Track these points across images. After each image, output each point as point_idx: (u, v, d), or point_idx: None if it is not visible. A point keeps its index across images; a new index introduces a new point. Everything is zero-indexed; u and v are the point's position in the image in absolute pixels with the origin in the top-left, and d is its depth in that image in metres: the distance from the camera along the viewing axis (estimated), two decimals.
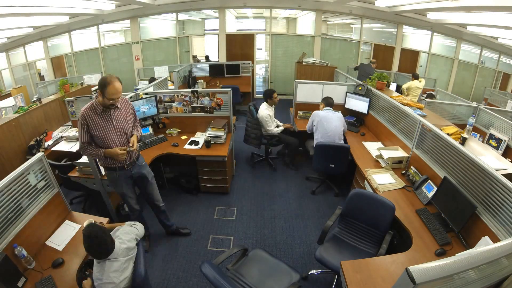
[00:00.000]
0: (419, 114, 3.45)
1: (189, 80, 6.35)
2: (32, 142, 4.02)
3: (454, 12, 5.92)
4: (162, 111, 3.93)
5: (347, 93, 4.35)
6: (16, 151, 3.88)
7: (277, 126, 4.22)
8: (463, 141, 3.26)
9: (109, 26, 8.09)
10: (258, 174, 4.26)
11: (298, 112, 4.49)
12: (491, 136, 3.69)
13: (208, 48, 9.07)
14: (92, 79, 6.80)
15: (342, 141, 3.60)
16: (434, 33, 7.89)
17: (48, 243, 2.17)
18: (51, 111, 4.70)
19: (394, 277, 1.76)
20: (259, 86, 8.93)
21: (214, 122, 3.73)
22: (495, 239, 1.84)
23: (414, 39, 8.39)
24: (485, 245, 1.79)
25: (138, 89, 4.55)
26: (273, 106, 4.22)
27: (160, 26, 8.33)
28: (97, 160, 2.63)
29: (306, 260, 2.78)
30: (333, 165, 3.45)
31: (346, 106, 4.39)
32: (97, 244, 1.63)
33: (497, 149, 3.52)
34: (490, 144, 3.66)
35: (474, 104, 4.23)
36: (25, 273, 1.88)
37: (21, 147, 3.95)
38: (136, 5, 7.00)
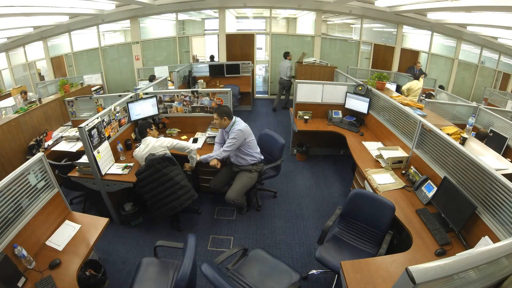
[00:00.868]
0: (419, 114, 3.45)
1: (189, 80, 6.35)
2: (32, 142, 4.02)
3: (454, 12, 5.91)
4: (162, 111, 3.94)
5: (347, 93, 4.35)
6: (16, 151, 3.88)
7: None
8: (463, 141, 3.27)
9: (109, 26, 8.08)
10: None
11: (298, 112, 4.49)
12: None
13: (208, 48, 9.06)
14: (92, 79, 6.79)
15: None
16: (434, 33, 7.89)
17: (48, 243, 2.17)
18: (51, 111, 4.70)
19: (394, 277, 1.76)
20: (259, 86, 8.93)
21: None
22: (495, 239, 1.84)
23: (414, 39, 8.38)
24: (485, 245, 1.79)
25: (138, 89, 4.55)
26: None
27: (160, 26, 8.32)
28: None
29: (306, 260, 2.78)
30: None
31: (346, 106, 4.39)
32: None
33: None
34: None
35: (474, 104, 4.23)
36: (25, 273, 1.88)
37: (21, 147, 3.95)
38: (136, 5, 7.00)
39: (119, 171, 3.04)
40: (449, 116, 4.27)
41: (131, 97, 3.69)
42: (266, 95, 8.47)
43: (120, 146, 3.29)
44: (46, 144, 3.96)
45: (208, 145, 3.58)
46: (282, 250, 2.91)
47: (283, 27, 9.93)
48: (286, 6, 7.79)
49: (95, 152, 2.85)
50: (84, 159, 2.98)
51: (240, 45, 8.05)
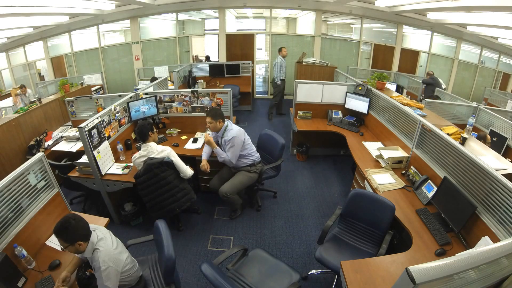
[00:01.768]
0: (419, 114, 3.45)
1: (189, 80, 6.35)
2: (32, 142, 4.02)
3: (454, 12, 5.92)
4: (162, 111, 3.94)
5: (347, 93, 4.35)
6: (16, 151, 3.88)
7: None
8: (463, 141, 3.26)
9: (109, 26, 8.08)
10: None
11: (298, 112, 4.49)
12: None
13: (208, 48, 9.07)
14: (92, 79, 6.80)
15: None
16: (434, 33, 7.89)
17: (48, 243, 2.18)
18: (51, 111, 4.70)
19: (394, 277, 1.76)
20: (259, 86, 8.93)
21: None
22: (495, 239, 1.84)
23: (414, 39, 8.39)
24: (485, 245, 1.79)
25: (138, 89, 4.55)
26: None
27: (160, 26, 8.33)
28: None
29: (306, 260, 2.78)
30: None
31: (346, 106, 4.39)
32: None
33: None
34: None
35: (474, 104, 4.23)
36: (25, 273, 1.88)
37: (21, 147, 3.96)
38: (136, 5, 7.00)
39: (119, 171, 3.04)
40: (449, 116, 4.27)
41: (131, 97, 3.70)
42: (266, 95, 8.47)
43: (120, 146, 3.29)
44: (46, 144, 3.96)
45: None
46: (282, 250, 2.91)
47: (283, 27, 9.93)
48: (286, 6, 7.79)
49: (95, 152, 2.86)
50: (84, 159, 2.98)
51: (240, 45, 8.05)
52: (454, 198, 2.17)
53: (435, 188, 2.44)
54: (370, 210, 2.32)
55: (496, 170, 1.99)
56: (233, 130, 3.03)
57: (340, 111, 4.42)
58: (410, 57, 8.26)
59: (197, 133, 3.91)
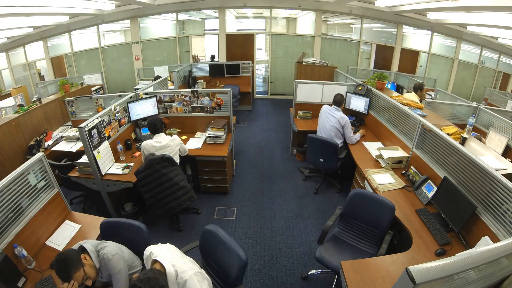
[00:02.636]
0: (419, 114, 3.45)
1: (189, 80, 6.35)
2: (32, 142, 4.02)
3: (454, 12, 5.91)
4: (162, 111, 3.94)
5: (347, 93, 4.35)
6: (16, 151, 3.88)
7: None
8: (463, 141, 3.26)
9: (109, 26, 8.08)
10: (258, 174, 4.26)
11: (298, 112, 4.49)
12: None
13: (208, 48, 9.06)
14: (92, 79, 6.79)
15: (340, 140, 3.60)
16: (434, 33, 7.89)
17: (48, 243, 2.18)
18: (51, 111, 4.70)
19: (394, 277, 1.76)
20: (259, 86, 8.93)
21: (214, 122, 3.73)
22: (495, 239, 1.84)
23: (414, 39, 8.38)
24: (485, 245, 1.79)
25: (138, 89, 4.55)
26: None
27: (160, 26, 8.32)
28: None
29: (306, 260, 2.78)
30: (322, 160, 3.54)
31: (346, 106, 4.39)
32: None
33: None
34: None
35: (474, 104, 4.22)
36: (25, 273, 1.88)
37: (21, 147, 3.95)
38: (136, 5, 6.99)
39: (119, 171, 3.04)
40: (449, 116, 4.27)
41: (131, 97, 3.70)
42: (266, 95, 8.47)
43: (120, 146, 3.29)
44: (46, 144, 3.96)
45: (208, 145, 3.58)
46: (282, 250, 2.91)
47: (283, 27, 9.94)
48: (286, 6, 7.79)
49: (95, 152, 2.86)
50: (84, 159, 2.98)
51: (240, 45, 8.05)
52: (454, 198, 2.17)
53: (435, 188, 2.44)
54: (370, 210, 2.32)
55: (496, 170, 1.99)
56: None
57: (341, 113, 4.40)
58: (410, 57, 8.25)
59: (197, 133, 3.91)
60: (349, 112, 4.43)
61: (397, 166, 3.07)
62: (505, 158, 3.16)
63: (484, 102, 7.13)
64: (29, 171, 2.13)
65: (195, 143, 3.62)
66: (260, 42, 8.39)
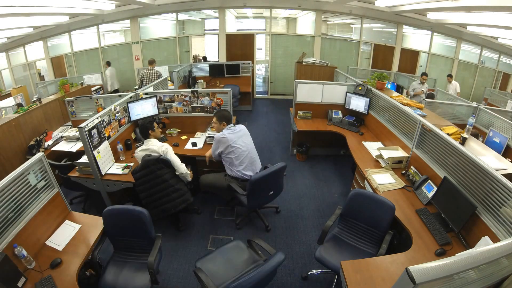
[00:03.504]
0: (419, 114, 3.45)
1: (189, 80, 6.35)
2: (32, 142, 4.02)
3: (454, 12, 5.91)
4: (162, 111, 3.94)
5: (347, 93, 4.35)
6: (16, 151, 3.88)
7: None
8: (463, 141, 3.27)
9: (109, 26, 8.09)
10: None
11: (298, 112, 4.49)
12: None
13: (208, 48, 9.06)
14: (92, 79, 6.80)
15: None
16: (434, 33, 7.89)
17: (48, 243, 2.17)
18: (51, 111, 4.70)
19: (394, 277, 1.76)
20: (259, 86, 8.93)
21: None
22: (495, 239, 1.84)
23: (414, 39, 8.39)
24: (485, 245, 1.79)
25: (138, 89, 4.55)
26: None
27: (160, 26, 8.33)
28: None
29: (306, 260, 2.78)
30: (272, 192, 2.96)
31: (346, 106, 4.39)
32: None
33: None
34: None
35: (474, 104, 4.23)
36: (25, 273, 1.88)
37: (21, 147, 3.95)
38: (136, 5, 7.00)
39: (119, 171, 3.04)
40: (449, 116, 4.27)
41: (131, 97, 3.70)
42: (266, 95, 8.47)
43: (120, 146, 3.29)
44: (46, 144, 3.96)
45: (208, 145, 3.58)
46: (282, 250, 2.88)
47: (283, 27, 9.94)
48: (286, 6, 7.80)
49: (95, 152, 2.86)
50: (84, 159, 2.98)
51: (240, 45, 8.05)
52: (454, 198, 2.17)
53: (435, 188, 2.44)
54: (370, 210, 2.32)
55: (496, 170, 1.99)
56: (222, 133, 2.96)
57: (340, 111, 4.42)
58: (410, 57, 8.26)
59: (197, 133, 3.91)
60: (349, 112, 4.44)
61: (397, 166, 3.07)
62: (505, 158, 3.16)
63: (484, 102, 7.14)
64: (29, 171, 2.13)
65: (195, 143, 3.62)
66: (260, 42, 8.40)
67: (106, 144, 3.08)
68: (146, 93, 3.84)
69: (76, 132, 3.94)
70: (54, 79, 7.15)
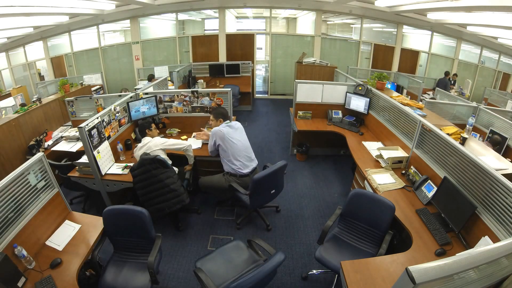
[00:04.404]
0: (419, 114, 3.45)
1: (189, 80, 6.35)
2: (32, 142, 4.02)
3: (454, 12, 5.91)
4: (162, 111, 3.94)
5: (347, 93, 4.35)
6: (16, 151, 3.88)
7: None
8: (463, 141, 3.26)
9: (109, 26, 8.08)
10: None
11: (298, 112, 4.49)
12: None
13: None
14: (92, 79, 6.79)
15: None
16: (434, 33, 7.89)
17: (48, 243, 2.17)
18: (51, 111, 4.70)
19: (394, 277, 1.76)
20: (259, 86, 8.93)
21: None
22: (495, 239, 1.84)
23: (414, 39, 8.39)
24: (485, 245, 1.79)
25: (138, 89, 4.56)
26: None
27: (160, 26, 8.32)
28: None
29: (306, 260, 2.78)
30: (274, 190, 2.95)
31: (346, 106, 4.39)
32: None
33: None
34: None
35: (474, 104, 4.23)
36: (25, 273, 1.88)
37: (21, 147, 3.95)
38: (136, 5, 6.99)
39: (119, 171, 3.04)
40: (449, 116, 4.27)
41: (131, 97, 3.70)
42: (266, 95, 8.47)
43: (120, 146, 3.29)
44: (46, 144, 3.96)
45: (208, 144, 3.57)
46: (282, 250, 2.89)
47: (283, 27, 9.93)
48: (286, 6, 7.79)
49: (95, 152, 2.86)
50: (84, 159, 2.98)
51: (240, 45, 8.05)
52: (454, 198, 2.17)
53: (435, 188, 2.44)
54: (370, 210, 2.32)
55: (496, 170, 2.00)
56: (219, 127, 3.06)
57: (340, 111, 4.42)
58: (410, 57, 8.26)
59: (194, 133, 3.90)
60: (349, 112, 4.44)
61: (397, 166, 3.07)
62: (505, 158, 3.16)
63: (484, 102, 7.14)
64: (29, 171, 2.13)
65: (195, 143, 3.62)
66: (260, 42, 8.39)
67: (106, 144, 3.08)
68: (146, 93, 3.84)
69: (76, 132, 3.94)
70: (54, 79, 7.14)
